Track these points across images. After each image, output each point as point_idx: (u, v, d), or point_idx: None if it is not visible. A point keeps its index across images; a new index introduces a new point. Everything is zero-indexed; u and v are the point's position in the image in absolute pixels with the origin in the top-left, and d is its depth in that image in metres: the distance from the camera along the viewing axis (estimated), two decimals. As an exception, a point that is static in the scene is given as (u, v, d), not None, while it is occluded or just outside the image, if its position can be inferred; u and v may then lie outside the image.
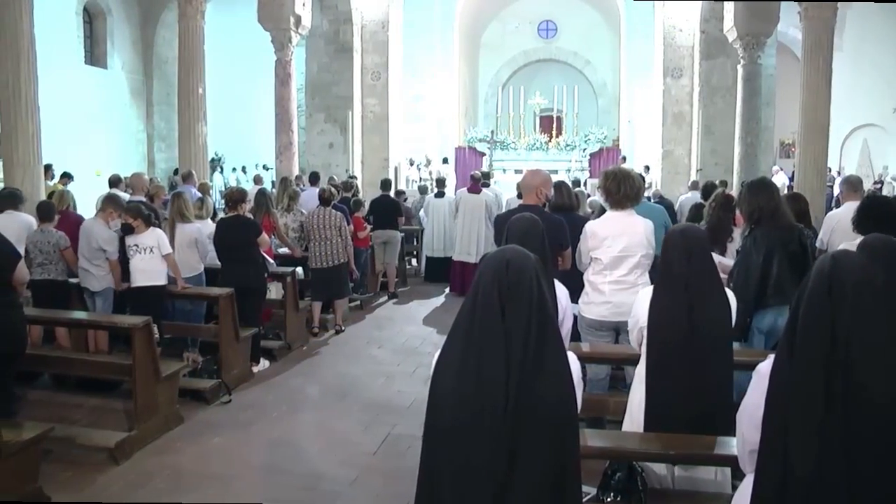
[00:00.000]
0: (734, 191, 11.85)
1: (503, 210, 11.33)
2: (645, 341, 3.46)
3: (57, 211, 7.34)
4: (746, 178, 7.04)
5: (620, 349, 4.81)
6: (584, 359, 4.38)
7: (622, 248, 4.93)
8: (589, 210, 10.08)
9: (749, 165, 14.89)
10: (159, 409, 5.69)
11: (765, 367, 2.10)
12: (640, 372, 3.56)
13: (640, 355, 3.65)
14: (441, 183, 13.23)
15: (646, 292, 3.54)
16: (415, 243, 13.86)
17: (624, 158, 20.36)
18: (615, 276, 4.95)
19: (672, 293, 3.30)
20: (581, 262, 5.19)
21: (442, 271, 12.21)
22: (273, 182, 17.22)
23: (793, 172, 15.35)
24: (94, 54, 18.80)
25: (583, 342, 5.04)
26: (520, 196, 9.34)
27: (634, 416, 3.50)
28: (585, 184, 18.64)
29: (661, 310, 3.33)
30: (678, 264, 3.31)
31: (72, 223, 7.39)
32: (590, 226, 5.15)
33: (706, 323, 3.25)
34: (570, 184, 7.21)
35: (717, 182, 11.58)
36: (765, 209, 4.81)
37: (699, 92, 17.52)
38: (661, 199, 10.92)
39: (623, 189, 5.02)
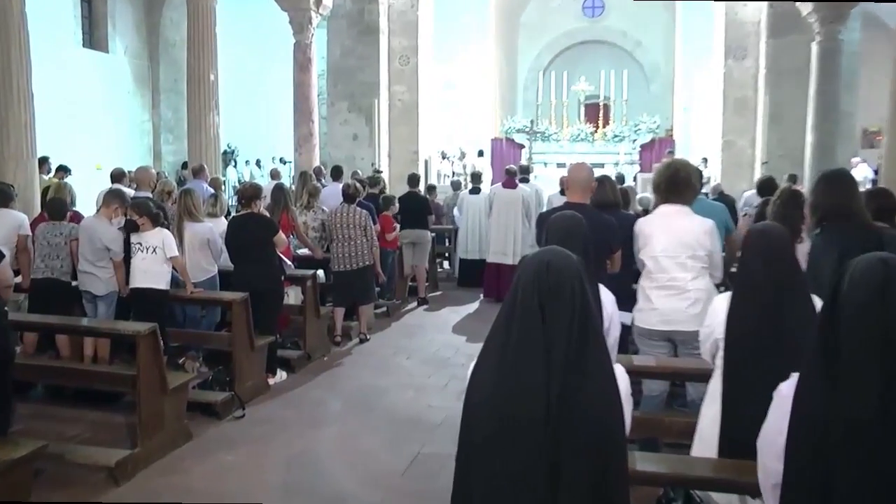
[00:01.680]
0: (805, 186, 11.68)
1: (544, 208, 11.30)
2: (721, 354, 3.40)
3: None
4: (820, 171, 6.90)
5: (677, 363, 4.76)
6: (637, 373, 4.35)
7: (663, 248, 4.91)
8: (639, 208, 9.99)
9: (824, 157, 14.62)
10: (165, 425, 5.71)
11: (787, 387, 2.06)
12: (713, 389, 3.49)
13: (710, 369, 3.60)
14: (476, 178, 13.22)
15: (722, 299, 3.48)
16: (447, 244, 13.87)
17: (671, 152, 20.11)
18: (662, 280, 4.93)
19: (752, 301, 3.23)
20: (638, 264, 5.21)
21: (477, 275, 12.20)
22: (291, 177, 17.32)
23: (878, 164, 15.07)
24: (94, 36, 18.94)
25: (640, 352, 5.04)
26: (562, 193, 9.30)
27: (706, 439, 3.42)
28: (635, 179, 18.53)
29: (740, 319, 3.27)
30: (759, 269, 3.24)
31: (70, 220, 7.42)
32: (638, 223, 5.20)
33: (792, 334, 3.17)
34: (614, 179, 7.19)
35: (785, 177, 11.43)
36: (831, 205, 4.69)
37: (765, 75, 17.30)
38: (722, 196, 10.77)
39: (670, 182, 4.98)
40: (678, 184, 4.99)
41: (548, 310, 2.00)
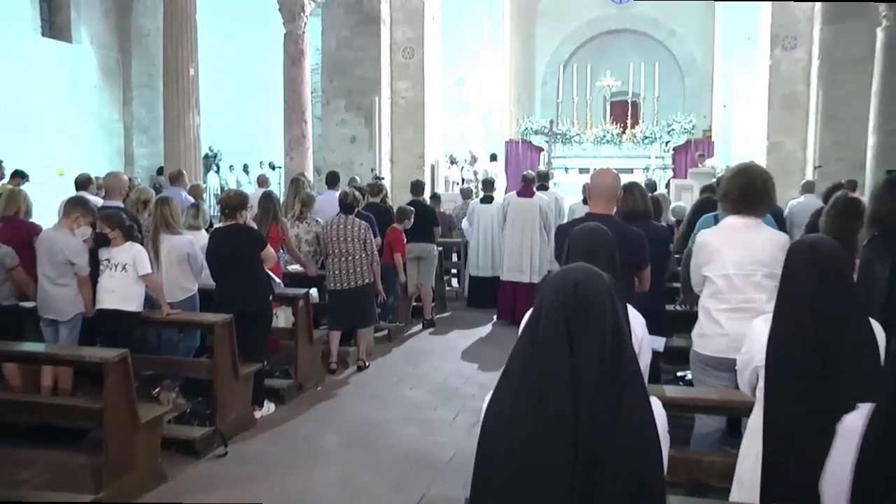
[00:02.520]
0: (866, 193, 11.59)
1: (565, 219, 11.27)
2: (761, 384, 3.35)
3: (2, 217, 7.35)
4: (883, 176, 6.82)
5: (725, 395, 4.72)
6: (673, 405, 4.29)
7: (735, 264, 4.86)
8: (672, 219, 9.95)
9: (888, 160, 14.45)
10: (137, 465, 5.67)
11: (854, 418, 2.04)
12: (753, 425, 3.45)
13: (751, 403, 3.55)
14: (488, 185, 13.27)
15: (762, 321, 3.44)
16: (456, 259, 13.86)
17: (701, 155, 20.11)
18: (733, 301, 4.88)
19: (797, 323, 3.18)
20: (693, 282, 5.19)
21: (490, 294, 12.27)
22: (280, 184, 17.32)
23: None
24: (55, 24, 18.88)
25: (698, 383, 5.02)
26: (585, 202, 9.32)
27: (745, 483, 3.39)
28: (668, 186, 18.50)
29: (782, 345, 3.21)
30: (806, 287, 3.19)
31: (23, 232, 7.32)
32: (701, 236, 5.17)
33: (844, 361, 3.12)
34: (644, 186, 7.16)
35: (843, 182, 11.35)
36: (892, 214, 4.63)
37: (819, 66, 17.23)
38: (768, 205, 10.68)
39: (744, 192, 4.92)
40: (753, 194, 4.93)
41: (576, 336, 2.00)
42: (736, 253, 4.86)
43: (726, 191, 5.01)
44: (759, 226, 4.95)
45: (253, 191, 12.83)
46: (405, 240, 10.55)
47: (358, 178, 13.91)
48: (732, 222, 4.99)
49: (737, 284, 4.86)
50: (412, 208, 10.88)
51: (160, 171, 17.07)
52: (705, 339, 4.97)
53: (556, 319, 2.03)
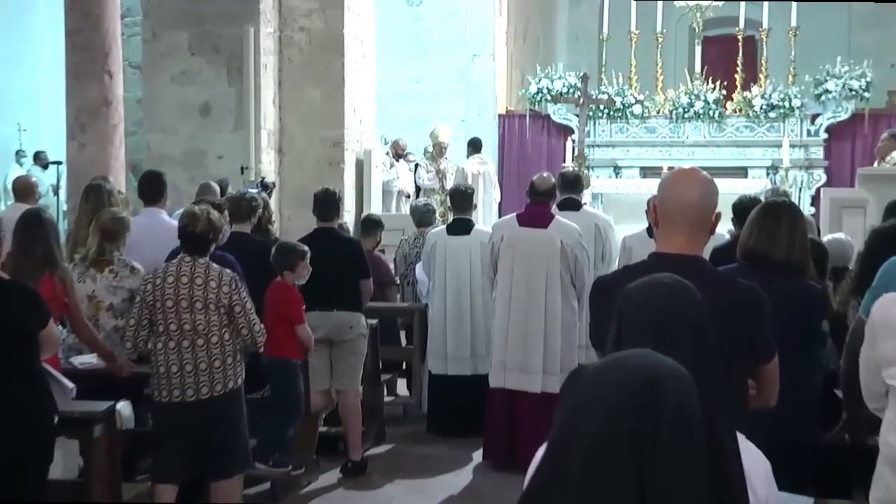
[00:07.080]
0: None
1: (612, 265, 11.36)
2: None
3: None
4: None
5: None
6: None
7: None
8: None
9: None
10: None
11: None
12: None
13: None
14: (462, 200, 13.42)
15: None
16: (405, 343, 13.86)
17: (894, 136, 20.19)
18: None
19: None
20: (865, 391, 5.16)
21: (469, 409, 12.29)
22: (62, 195, 17.34)
23: None
24: None
25: None
26: (651, 233, 9.43)
27: None
28: (815, 201, 18.61)
29: None
30: None
31: None
32: (884, 306, 5.07)
33: None
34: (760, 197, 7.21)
35: None
36: None
37: None
38: None
39: None
40: None
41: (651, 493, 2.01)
42: None
43: None
44: None
45: (3, 208, 12.83)
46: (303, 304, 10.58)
47: (216, 186, 13.79)
48: None
49: None
50: (288, 243, 10.93)
51: None
52: None
53: (611, 457, 2.02)
